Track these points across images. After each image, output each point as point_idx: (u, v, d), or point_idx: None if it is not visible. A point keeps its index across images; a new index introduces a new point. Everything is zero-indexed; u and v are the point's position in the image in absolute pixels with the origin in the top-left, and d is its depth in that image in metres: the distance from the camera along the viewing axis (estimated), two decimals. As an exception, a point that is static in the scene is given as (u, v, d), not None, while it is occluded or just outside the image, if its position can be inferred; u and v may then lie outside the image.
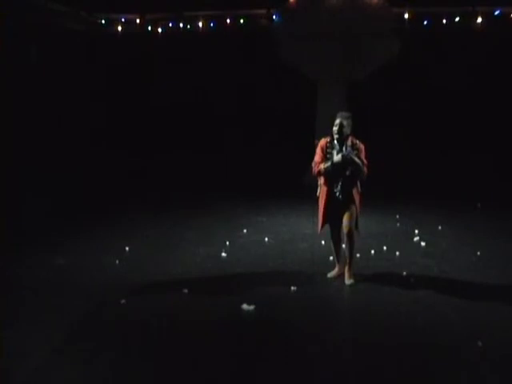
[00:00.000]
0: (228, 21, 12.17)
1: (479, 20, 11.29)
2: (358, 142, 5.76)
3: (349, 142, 5.70)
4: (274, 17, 11.68)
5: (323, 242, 6.93)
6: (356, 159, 5.63)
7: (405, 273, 6.21)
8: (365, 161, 5.73)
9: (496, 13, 11.28)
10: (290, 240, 7.61)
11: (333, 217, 5.92)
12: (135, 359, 4.36)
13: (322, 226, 6.00)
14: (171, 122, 12.86)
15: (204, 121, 12.86)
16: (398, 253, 6.92)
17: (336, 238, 6.09)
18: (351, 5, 10.89)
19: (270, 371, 4.20)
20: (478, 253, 6.94)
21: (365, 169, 5.71)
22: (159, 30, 12.57)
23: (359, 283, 5.89)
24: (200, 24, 12.25)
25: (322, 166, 5.70)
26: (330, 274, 6.12)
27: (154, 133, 12.88)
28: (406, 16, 11.36)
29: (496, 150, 11.64)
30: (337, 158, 5.64)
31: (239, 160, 12.06)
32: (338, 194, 5.76)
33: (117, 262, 6.58)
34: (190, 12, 12.19)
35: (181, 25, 12.41)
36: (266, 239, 7.60)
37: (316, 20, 10.88)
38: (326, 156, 5.74)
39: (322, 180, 5.89)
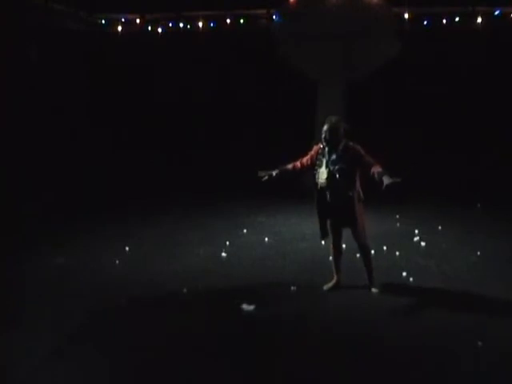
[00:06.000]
0: (228, 21, 12.17)
1: (479, 20, 11.28)
2: (351, 144, 5.39)
3: (340, 147, 5.35)
4: (274, 17, 11.66)
5: (323, 242, 6.91)
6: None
7: (405, 273, 6.21)
8: (371, 160, 5.33)
9: (496, 13, 11.26)
10: (290, 240, 7.61)
11: (331, 224, 5.67)
12: (135, 359, 4.36)
13: (323, 236, 5.77)
14: (171, 121, 12.85)
15: (204, 121, 12.85)
16: (397, 253, 6.92)
17: (336, 246, 5.79)
18: (351, 5, 10.87)
19: (269, 371, 4.20)
20: (478, 253, 6.94)
21: (378, 167, 5.25)
22: (159, 30, 12.57)
23: (359, 283, 5.88)
24: (200, 24, 12.25)
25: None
26: (327, 286, 5.80)
27: (154, 132, 12.86)
28: (406, 16, 11.35)
29: (496, 150, 11.62)
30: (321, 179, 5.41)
31: (239, 160, 12.03)
32: (329, 200, 5.46)
33: (117, 262, 6.59)
34: (189, 12, 12.19)
35: (181, 25, 12.41)
36: (266, 239, 7.60)
37: (316, 20, 10.85)
38: (316, 162, 5.50)
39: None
